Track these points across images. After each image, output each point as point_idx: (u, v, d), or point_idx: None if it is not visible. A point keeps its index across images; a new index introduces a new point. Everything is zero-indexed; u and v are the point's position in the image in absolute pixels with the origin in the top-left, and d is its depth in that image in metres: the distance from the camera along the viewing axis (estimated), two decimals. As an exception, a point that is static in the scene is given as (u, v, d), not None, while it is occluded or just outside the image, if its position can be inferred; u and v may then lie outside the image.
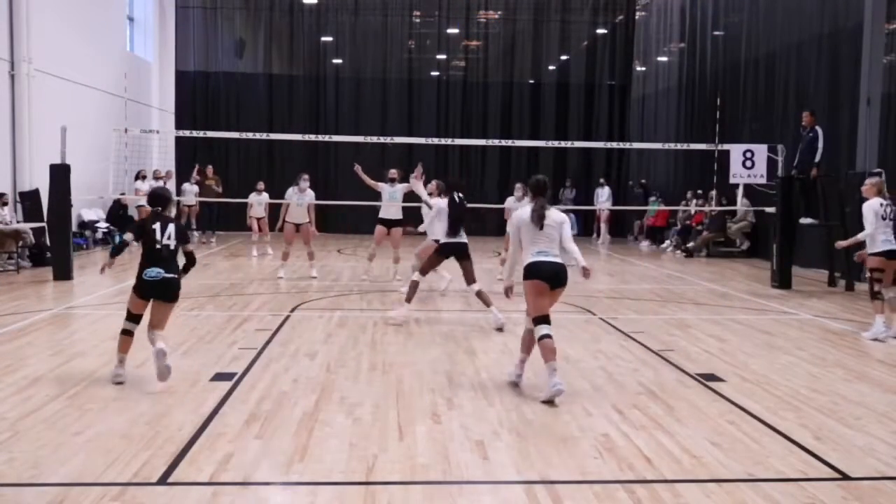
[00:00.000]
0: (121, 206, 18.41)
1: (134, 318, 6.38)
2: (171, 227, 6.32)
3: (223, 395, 5.94)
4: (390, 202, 12.45)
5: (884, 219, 8.51)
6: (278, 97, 23.55)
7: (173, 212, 6.53)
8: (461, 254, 9.21)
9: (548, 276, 6.05)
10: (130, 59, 20.83)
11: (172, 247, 6.29)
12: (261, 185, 16.81)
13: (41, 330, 8.40)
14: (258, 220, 16.62)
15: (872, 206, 8.53)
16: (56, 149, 12.46)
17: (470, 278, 9.19)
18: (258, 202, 16.54)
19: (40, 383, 6.20)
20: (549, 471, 4.54)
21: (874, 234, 8.53)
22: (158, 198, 6.58)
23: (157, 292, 6.27)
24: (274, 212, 15.08)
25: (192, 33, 23.38)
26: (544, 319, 6.06)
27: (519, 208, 13.12)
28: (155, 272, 6.20)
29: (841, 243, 9.60)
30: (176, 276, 6.30)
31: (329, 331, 8.56)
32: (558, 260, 6.14)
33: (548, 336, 6.01)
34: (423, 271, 9.40)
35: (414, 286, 9.20)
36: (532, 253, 6.11)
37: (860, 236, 8.80)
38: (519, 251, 6.28)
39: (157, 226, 6.29)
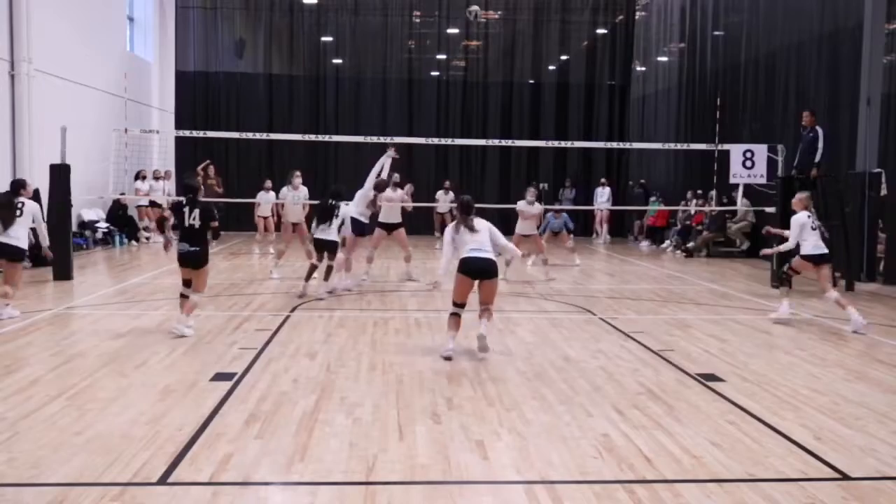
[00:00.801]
0: (120, 206, 18.40)
1: (184, 282, 8.25)
2: (197, 210, 7.94)
3: (223, 395, 5.94)
4: (388, 205, 12.50)
5: (813, 229, 9.41)
6: (278, 97, 23.54)
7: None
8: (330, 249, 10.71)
9: (474, 272, 7.29)
10: (130, 59, 20.83)
11: (197, 226, 7.92)
12: (268, 184, 16.64)
13: (41, 330, 8.40)
14: (264, 218, 16.64)
15: (799, 220, 9.43)
16: (56, 149, 12.46)
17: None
18: (265, 201, 16.47)
19: (40, 383, 6.20)
20: (549, 471, 4.54)
21: (804, 240, 9.41)
22: (187, 187, 8.36)
23: (185, 261, 8.07)
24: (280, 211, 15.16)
25: (192, 33, 23.35)
26: (460, 306, 7.45)
27: (528, 210, 13.36)
28: (181, 246, 7.98)
29: (766, 251, 10.79)
30: (198, 248, 7.96)
31: (329, 331, 8.56)
32: (488, 256, 7.31)
33: (456, 315, 7.42)
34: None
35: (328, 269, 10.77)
36: (466, 250, 7.31)
37: (783, 247, 9.83)
38: (452, 253, 7.46)
39: (186, 209, 7.98)
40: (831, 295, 9.26)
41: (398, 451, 4.80)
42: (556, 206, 17.48)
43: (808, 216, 9.43)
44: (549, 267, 13.34)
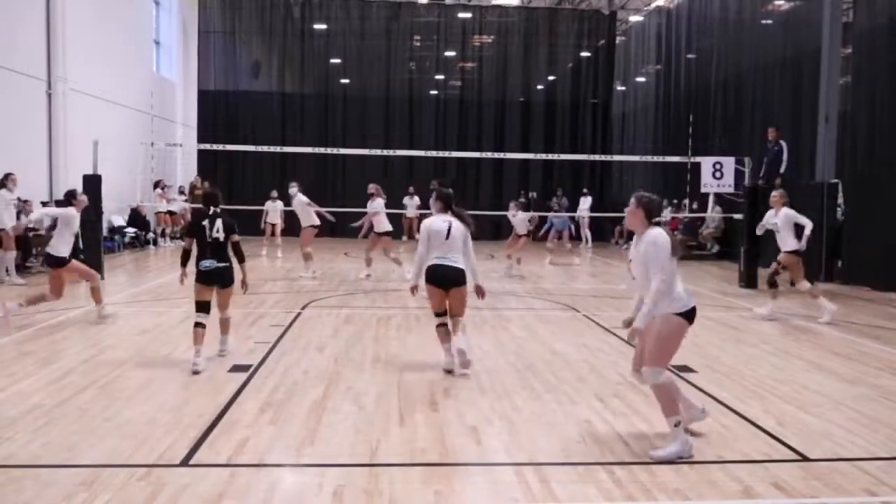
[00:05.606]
0: (137, 212, 18.17)
1: (201, 307, 6.50)
2: (219, 222, 6.51)
3: (240, 385, 5.93)
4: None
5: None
6: (291, 114, 23.54)
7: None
8: None
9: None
10: (157, 79, 20.84)
11: (221, 239, 6.51)
12: (274, 193, 16.87)
13: (74, 326, 8.39)
14: (272, 225, 16.67)
15: (792, 214, 9.30)
16: (88, 160, 12.46)
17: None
18: (273, 209, 16.59)
19: (74, 374, 6.19)
20: (537, 454, 4.54)
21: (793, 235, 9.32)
22: (208, 197, 6.74)
23: (211, 279, 6.51)
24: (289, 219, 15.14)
25: (213, 56, 23.37)
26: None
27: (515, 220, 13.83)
28: (209, 262, 6.46)
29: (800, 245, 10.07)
30: (227, 264, 6.54)
31: (336, 326, 8.55)
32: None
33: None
34: None
35: None
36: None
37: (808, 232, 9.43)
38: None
39: (206, 222, 6.50)
40: (805, 286, 9.27)
41: (399, 436, 4.80)
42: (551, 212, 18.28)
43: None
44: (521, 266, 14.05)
